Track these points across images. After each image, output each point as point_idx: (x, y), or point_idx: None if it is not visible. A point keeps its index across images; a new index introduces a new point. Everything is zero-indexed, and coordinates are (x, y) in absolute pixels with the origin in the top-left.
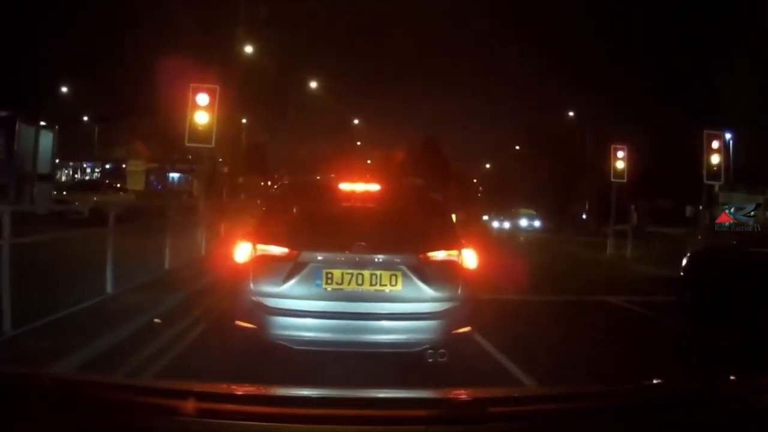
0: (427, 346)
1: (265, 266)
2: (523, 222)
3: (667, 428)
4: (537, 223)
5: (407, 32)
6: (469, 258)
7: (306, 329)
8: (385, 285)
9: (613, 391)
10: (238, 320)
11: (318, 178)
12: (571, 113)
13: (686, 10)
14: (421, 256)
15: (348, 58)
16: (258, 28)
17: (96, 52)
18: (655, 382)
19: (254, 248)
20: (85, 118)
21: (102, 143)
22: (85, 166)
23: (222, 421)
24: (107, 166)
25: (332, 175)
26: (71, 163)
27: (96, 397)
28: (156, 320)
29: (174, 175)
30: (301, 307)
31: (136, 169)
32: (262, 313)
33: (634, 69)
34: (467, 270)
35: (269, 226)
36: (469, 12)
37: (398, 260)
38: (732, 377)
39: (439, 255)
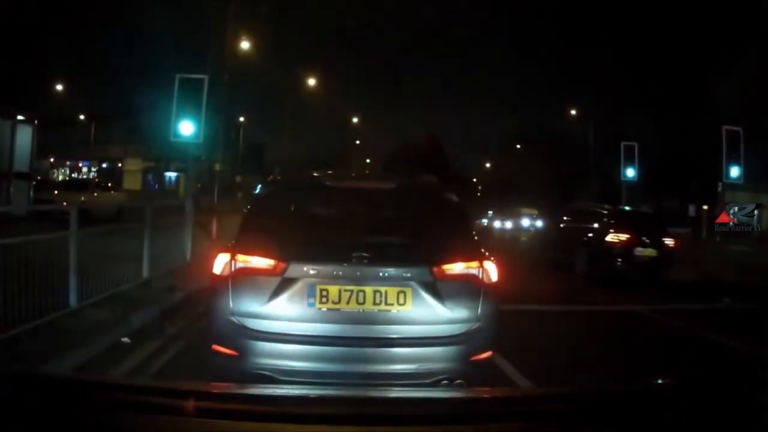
0: (442, 376)
1: (247, 281)
2: (525, 222)
3: (666, 428)
4: (539, 223)
5: (407, 31)
6: (491, 271)
7: (295, 357)
8: (392, 304)
9: (612, 390)
10: (215, 345)
11: (314, 174)
12: (573, 111)
13: (691, 7)
14: (435, 269)
15: (347, 57)
16: (259, 27)
17: (93, 49)
18: (655, 382)
19: (234, 260)
20: (82, 117)
21: (99, 142)
22: (81, 165)
23: (222, 421)
24: (104, 165)
25: (329, 172)
26: (68, 162)
27: (96, 396)
28: (124, 339)
29: (171, 175)
30: (289, 331)
31: (132, 168)
32: (242, 337)
33: (638, 67)
34: (489, 285)
35: (253, 232)
36: (470, 9)
37: (408, 274)
38: (732, 377)
39: (456, 268)
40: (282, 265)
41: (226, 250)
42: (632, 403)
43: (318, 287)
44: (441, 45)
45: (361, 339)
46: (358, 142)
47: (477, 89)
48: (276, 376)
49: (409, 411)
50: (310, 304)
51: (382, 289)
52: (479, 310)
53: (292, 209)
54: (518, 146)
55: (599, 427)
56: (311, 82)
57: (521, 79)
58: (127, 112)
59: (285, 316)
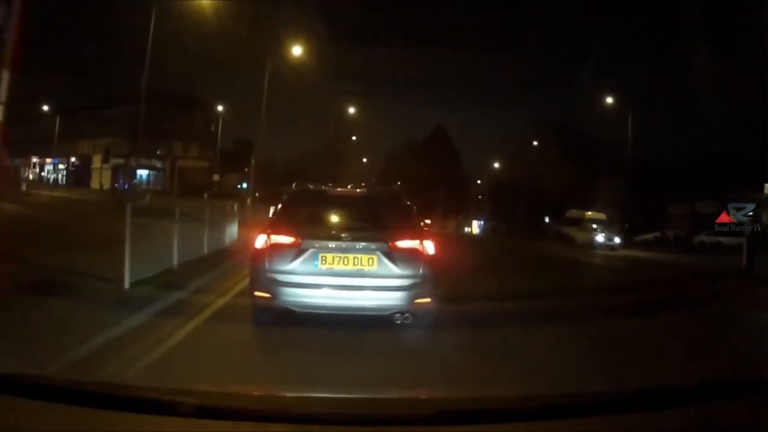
0: (395, 311)
1: (277, 251)
2: (599, 237)
3: (667, 428)
4: (618, 240)
5: (410, 16)
6: (429, 246)
7: (306, 297)
8: (365, 265)
9: (612, 391)
10: (256, 291)
11: (314, 186)
12: (609, 99)
13: None
14: (391, 244)
15: (345, 46)
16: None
17: (59, 36)
18: (655, 382)
19: (269, 238)
20: (45, 108)
21: (67, 138)
22: (48, 162)
23: (222, 421)
24: (73, 161)
25: (330, 184)
26: (35, 160)
27: (96, 397)
28: None
29: (143, 173)
30: (303, 281)
31: (101, 166)
32: (274, 285)
33: (670, 59)
34: (428, 255)
35: (280, 221)
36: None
37: (374, 247)
38: (730, 376)
39: (405, 244)
40: (298, 241)
41: (263, 232)
42: (632, 403)
43: (320, 254)
44: (447, 31)
45: (346, 286)
46: (354, 138)
47: (483, 84)
48: (294, 308)
49: (410, 411)
50: (315, 265)
51: (359, 256)
52: (420, 271)
53: (305, 207)
54: (534, 143)
55: (599, 427)
56: (302, 68)
57: (536, 71)
58: (98, 105)
59: (300, 272)
